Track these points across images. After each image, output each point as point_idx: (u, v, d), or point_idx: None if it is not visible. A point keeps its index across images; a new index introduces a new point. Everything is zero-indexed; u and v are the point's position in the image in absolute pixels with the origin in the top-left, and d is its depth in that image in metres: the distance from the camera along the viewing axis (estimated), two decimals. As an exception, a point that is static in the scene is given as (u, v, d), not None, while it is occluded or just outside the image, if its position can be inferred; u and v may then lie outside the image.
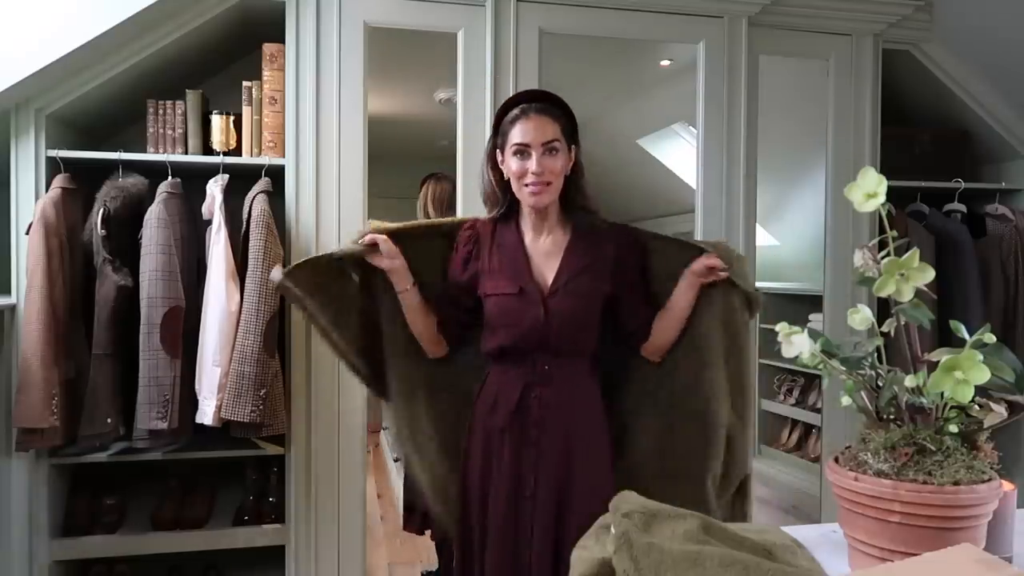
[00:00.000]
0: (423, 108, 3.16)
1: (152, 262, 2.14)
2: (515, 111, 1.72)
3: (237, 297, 2.19)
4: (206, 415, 2.16)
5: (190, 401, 2.22)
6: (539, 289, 1.71)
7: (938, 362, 0.90)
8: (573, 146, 1.75)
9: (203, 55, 2.50)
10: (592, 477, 1.69)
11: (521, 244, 1.75)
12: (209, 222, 2.25)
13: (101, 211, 2.14)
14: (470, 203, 2.33)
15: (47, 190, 2.17)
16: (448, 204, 2.49)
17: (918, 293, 0.94)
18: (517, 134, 1.69)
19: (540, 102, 1.74)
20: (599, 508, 1.00)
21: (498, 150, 1.75)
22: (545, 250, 1.74)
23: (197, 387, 2.18)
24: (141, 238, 2.18)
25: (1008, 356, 0.92)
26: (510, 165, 1.71)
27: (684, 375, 1.75)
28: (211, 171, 2.30)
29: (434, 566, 2.83)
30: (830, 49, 2.65)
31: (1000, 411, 0.95)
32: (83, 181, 2.26)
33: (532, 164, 1.67)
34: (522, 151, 1.69)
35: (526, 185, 1.69)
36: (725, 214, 2.55)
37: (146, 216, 2.18)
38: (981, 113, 2.83)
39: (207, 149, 2.36)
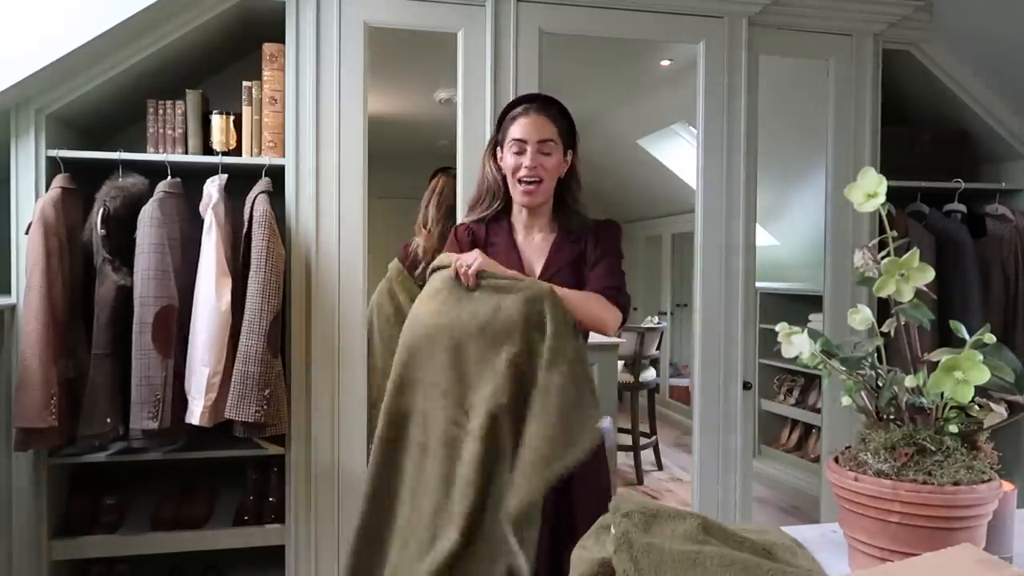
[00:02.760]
0: (423, 108, 3.15)
1: (145, 261, 2.14)
2: (517, 109, 1.86)
3: (227, 297, 2.18)
4: (193, 415, 2.16)
5: (185, 401, 2.21)
6: None
7: (938, 362, 0.90)
8: (570, 151, 1.87)
9: (203, 55, 2.49)
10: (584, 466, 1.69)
11: (512, 241, 1.88)
12: (207, 222, 2.24)
13: (101, 211, 2.14)
14: (470, 203, 2.32)
15: (47, 190, 2.17)
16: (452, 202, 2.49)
17: (918, 293, 0.95)
18: (516, 130, 1.83)
19: (541, 103, 1.86)
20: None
21: (499, 147, 1.88)
22: (535, 246, 1.87)
23: (186, 386, 2.18)
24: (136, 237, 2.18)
25: (1008, 356, 0.92)
26: (507, 160, 1.84)
27: None
28: (211, 171, 2.30)
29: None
30: (830, 49, 2.65)
31: (1000, 411, 0.95)
32: (83, 181, 2.25)
33: (526, 159, 1.80)
34: (519, 147, 1.81)
35: (520, 181, 1.81)
36: (725, 214, 2.55)
37: (140, 216, 2.18)
38: (981, 113, 2.83)
39: (207, 149, 2.36)
